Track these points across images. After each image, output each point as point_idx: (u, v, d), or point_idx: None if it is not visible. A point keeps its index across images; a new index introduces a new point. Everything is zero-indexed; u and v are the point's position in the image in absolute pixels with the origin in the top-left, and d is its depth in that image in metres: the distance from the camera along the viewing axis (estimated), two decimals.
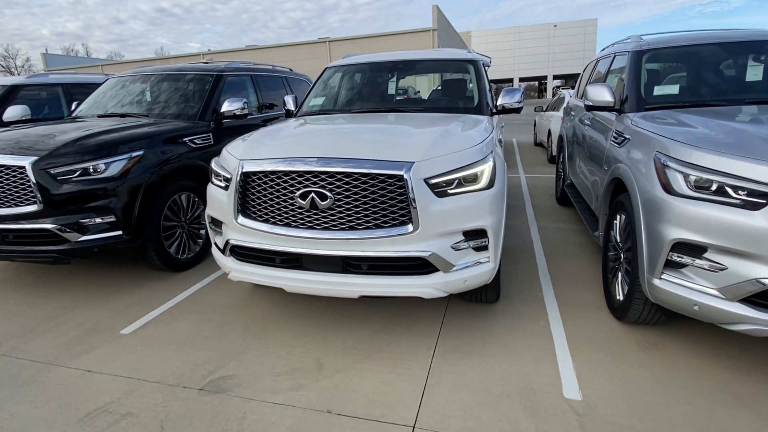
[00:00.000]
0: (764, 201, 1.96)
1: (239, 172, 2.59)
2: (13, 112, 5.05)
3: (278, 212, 2.53)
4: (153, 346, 2.82)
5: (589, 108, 3.55)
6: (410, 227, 2.38)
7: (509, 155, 10.91)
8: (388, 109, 3.65)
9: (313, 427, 2.07)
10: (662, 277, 2.28)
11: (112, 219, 3.35)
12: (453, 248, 2.47)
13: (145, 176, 3.54)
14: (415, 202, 2.35)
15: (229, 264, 2.80)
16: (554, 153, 8.98)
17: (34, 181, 3.15)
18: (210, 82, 4.70)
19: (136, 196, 3.46)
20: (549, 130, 9.56)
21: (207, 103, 4.53)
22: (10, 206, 3.22)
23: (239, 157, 2.68)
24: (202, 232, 4.20)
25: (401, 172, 2.34)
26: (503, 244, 4.36)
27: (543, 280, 3.59)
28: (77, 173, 3.24)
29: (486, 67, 6.33)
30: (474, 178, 2.52)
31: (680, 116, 2.81)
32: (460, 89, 4.00)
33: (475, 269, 2.54)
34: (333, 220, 2.44)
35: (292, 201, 2.48)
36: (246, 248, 2.68)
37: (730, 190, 2.05)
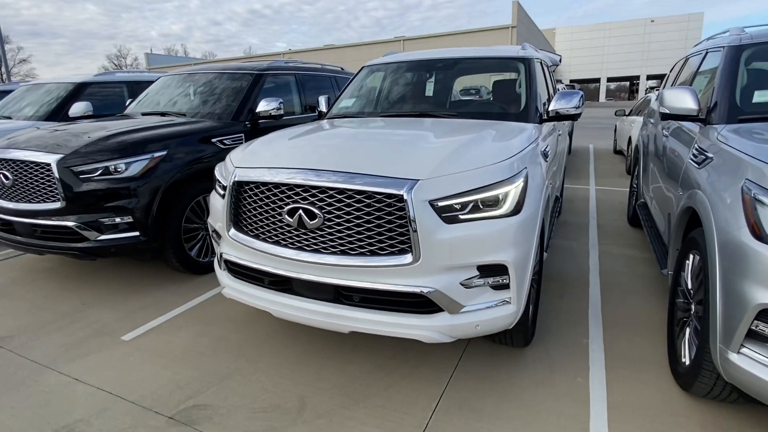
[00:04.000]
0: None
1: (232, 181, 2.36)
2: (77, 108, 5.32)
3: (268, 228, 2.26)
4: (146, 357, 2.69)
5: (665, 116, 2.90)
6: (409, 257, 1.99)
7: (582, 162, 9.93)
8: (419, 114, 3.25)
9: None
10: (741, 351, 1.69)
11: (130, 219, 3.31)
12: (463, 285, 2.04)
13: (167, 177, 3.47)
14: (415, 227, 1.95)
15: (223, 279, 2.59)
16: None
17: (58, 178, 3.18)
18: (249, 81, 4.59)
19: (155, 198, 3.39)
20: (630, 137, 8.51)
21: (243, 102, 4.42)
22: (37, 202, 3.28)
23: (235, 164, 2.45)
24: None
25: (400, 192, 1.96)
26: (551, 272, 3.81)
27: (593, 321, 3.00)
28: (98, 172, 3.23)
29: (551, 66, 5.67)
30: (494, 202, 2.06)
31: None
32: (508, 92, 3.49)
33: (490, 312, 2.09)
34: (323, 242, 2.12)
35: (280, 217, 2.19)
36: (237, 264, 2.44)
37: None
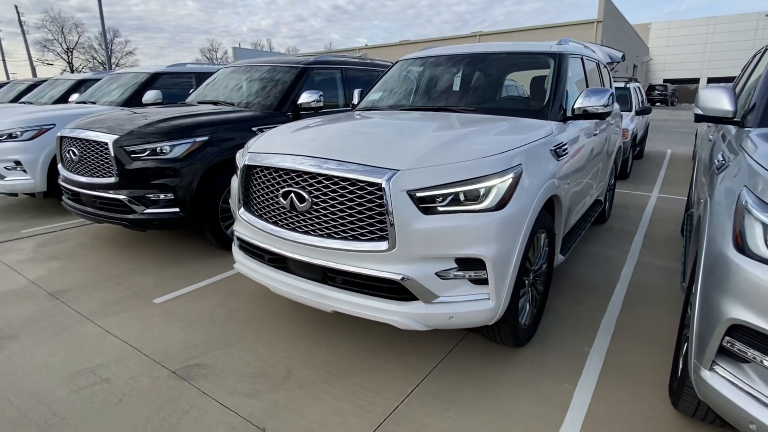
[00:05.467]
0: None
1: (242, 164, 2.57)
2: (149, 96, 5.91)
3: (268, 208, 2.44)
4: (168, 319, 3.00)
5: (698, 118, 2.68)
6: (385, 244, 2.06)
7: (653, 168, 9.20)
8: (438, 108, 3.26)
9: None
10: (713, 368, 1.57)
11: (171, 196, 3.67)
12: (439, 276, 2.08)
13: (207, 160, 3.80)
14: (392, 216, 2.02)
15: (235, 255, 2.82)
16: None
17: (113, 156, 3.61)
18: (294, 75, 4.84)
19: (195, 178, 3.73)
20: None
21: (287, 94, 4.68)
22: (97, 176, 3.76)
23: (248, 149, 2.65)
24: None
25: (380, 180, 2.03)
26: (575, 278, 3.65)
27: (602, 331, 2.87)
28: (147, 152, 3.62)
29: (611, 64, 5.34)
30: (476, 196, 2.07)
31: None
32: (534, 88, 3.39)
33: (467, 306, 2.10)
34: (312, 225, 2.25)
35: (277, 199, 2.36)
36: (245, 241, 2.66)
37: None
